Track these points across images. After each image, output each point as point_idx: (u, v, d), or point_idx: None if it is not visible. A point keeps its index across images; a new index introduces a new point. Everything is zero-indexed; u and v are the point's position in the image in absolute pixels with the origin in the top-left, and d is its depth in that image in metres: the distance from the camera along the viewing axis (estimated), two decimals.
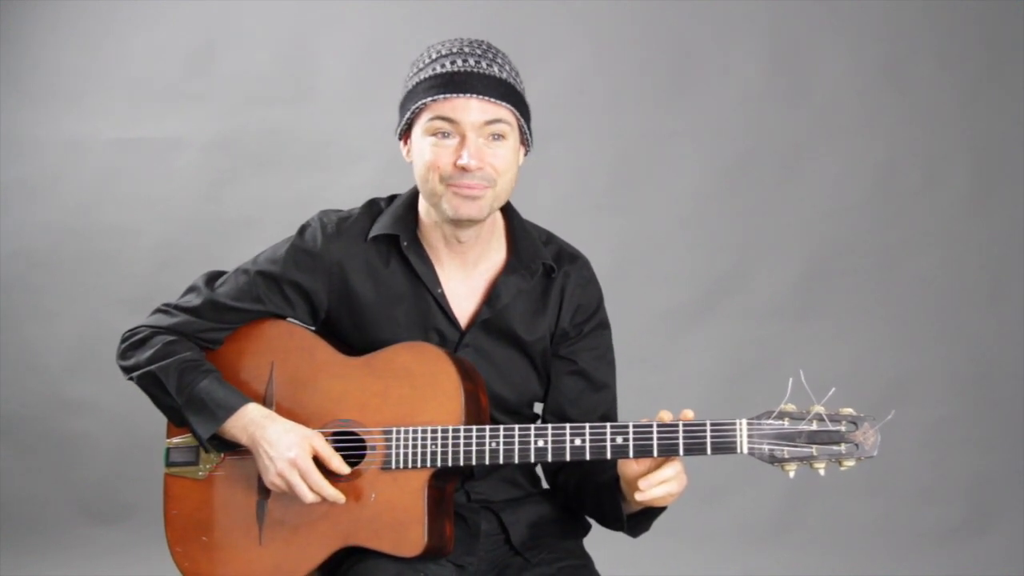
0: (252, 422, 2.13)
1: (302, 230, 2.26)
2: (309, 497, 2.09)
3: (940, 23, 4.37)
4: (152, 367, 2.17)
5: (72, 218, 4.47)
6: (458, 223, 2.15)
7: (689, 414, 2.02)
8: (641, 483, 2.02)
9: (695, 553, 4.15)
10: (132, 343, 2.24)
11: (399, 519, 2.08)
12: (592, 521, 2.33)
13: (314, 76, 4.47)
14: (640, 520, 2.18)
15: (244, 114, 4.46)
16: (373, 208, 2.28)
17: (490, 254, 2.26)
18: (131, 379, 2.23)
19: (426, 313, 2.22)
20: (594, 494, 2.21)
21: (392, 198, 2.29)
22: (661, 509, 2.15)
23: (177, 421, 2.21)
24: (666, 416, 2.02)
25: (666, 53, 4.43)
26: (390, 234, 2.22)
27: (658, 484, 2.02)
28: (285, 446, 2.10)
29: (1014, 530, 4.18)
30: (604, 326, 2.34)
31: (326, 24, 4.47)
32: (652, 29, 4.43)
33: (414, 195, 2.26)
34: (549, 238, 2.32)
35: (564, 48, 4.43)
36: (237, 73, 4.47)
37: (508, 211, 2.29)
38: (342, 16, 4.47)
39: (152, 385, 2.19)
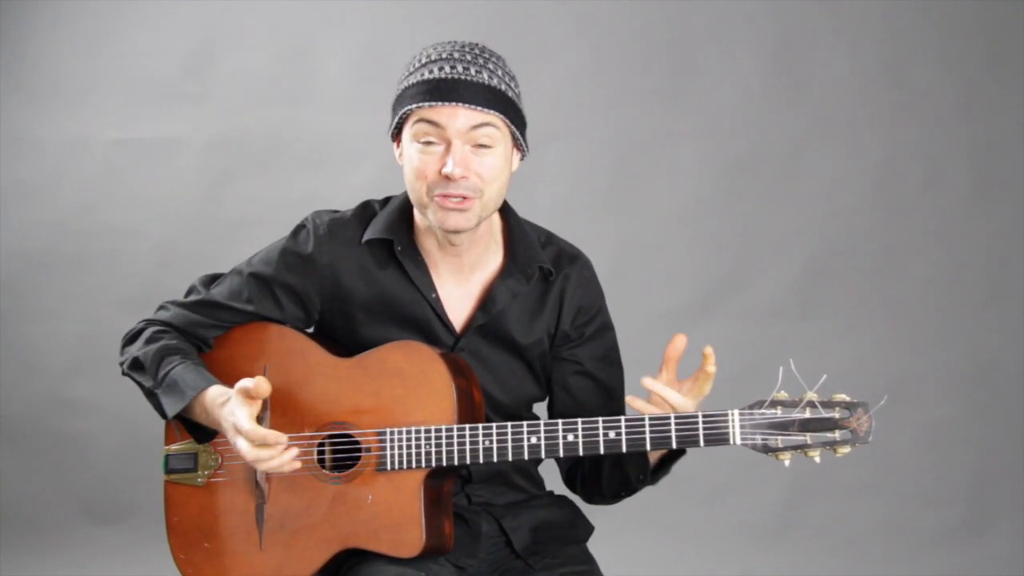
0: (212, 403, 2.09)
1: (295, 232, 2.25)
2: (250, 454, 2.00)
3: (940, 23, 4.37)
4: (137, 353, 2.18)
5: (72, 218, 4.47)
6: (447, 231, 2.15)
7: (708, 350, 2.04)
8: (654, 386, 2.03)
9: (695, 553, 4.15)
10: (128, 338, 2.25)
11: (396, 520, 2.08)
12: (605, 508, 2.33)
13: (314, 76, 4.47)
14: (661, 467, 2.17)
15: (244, 114, 4.46)
16: (367, 210, 2.27)
17: (487, 258, 2.25)
18: (124, 373, 2.23)
19: (421, 318, 2.21)
20: (615, 457, 2.18)
21: (386, 200, 2.28)
22: (682, 453, 2.12)
23: (159, 409, 2.20)
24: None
25: (666, 53, 4.43)
26: (383, 238, 2.21)
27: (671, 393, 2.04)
28: (227, 413, 2.04)
29: (1014, 530, 4.18)
30: (607, 327, 2.32)
31: (326, 24, 4.47)
32: (652, 29, 4.43)
33: (408, 198, 2.24)
34: (549, 239, 2.30)
35: (564, 48, 4.43)
36: (237, 73, 4.47)
37: (506, 213, 2.28)
38: (342, 16, 4.47)
39: (136, 372, 2.18)
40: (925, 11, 4.37)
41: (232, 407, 2.03)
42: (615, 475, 2.22)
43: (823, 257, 4.40)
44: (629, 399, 2.09)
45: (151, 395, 2.18)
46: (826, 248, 4.40)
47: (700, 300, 4.41)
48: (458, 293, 2.23)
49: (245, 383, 2.02)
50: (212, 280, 2.28)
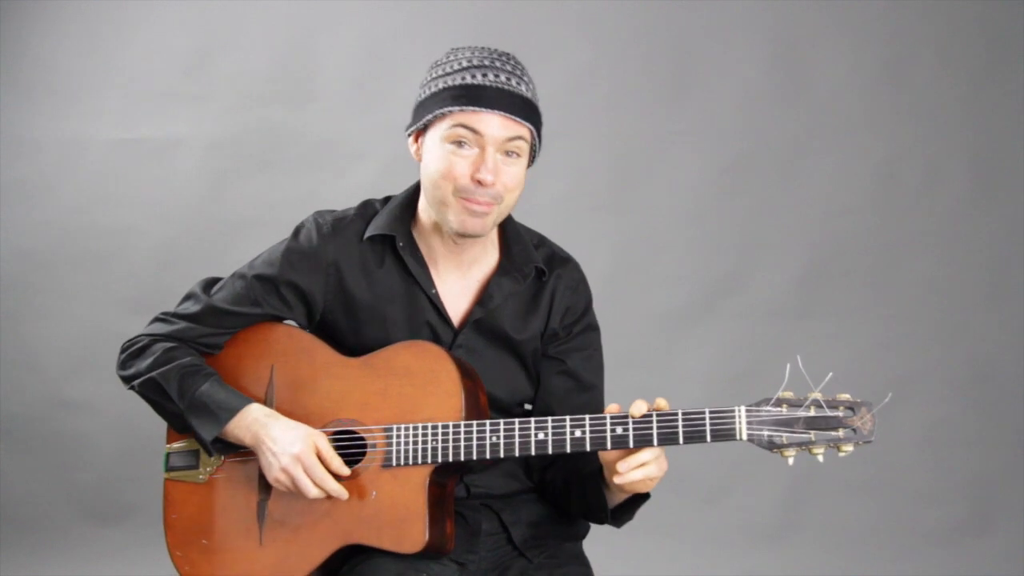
0: (256, 421, 2.14)
1: (296, 232, 2.27)
2: (313, 492, 2.10)
3: (940, 23, 4.38)
4: (152, 374, 2.18)
5: (72, 218, 4.47)
6: (461, 234, 2.16)
7: (662, 403, 2.02)
8: (619, 466, 2.02)
9: (695, 553, 4.15)
10: (131, 352, 2.24)
11: (400, 516, 2.09)
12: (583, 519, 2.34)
13: (314, 76, 4.47)
14: (625, 509, 2.19)
15: (244, 114, 4.46)
16: (368, 209, 2.29)
17: (485, 256, 2.27)
18: (132, 388, 2.23)
19: (420, 313, 2.23)
20: (579, 486, 2.21)
21: (387, 199, 2.30)
22: (644, 497, 2.15)
23: (179, 427, 2.21)
24: (640, 405, 2.01)
25: (666, 53, 4.43)
26: (385, 234, 2.22)
27: (636, 467, 2.02)
28: (289, 442, 2.11)
29: (1014, 530, 4.19)
30: (593, 328, 2.35)
31: (326, 24, 4.47)
32: (652, 29, 4.43)
33: (411, 194, 2.27)
34: (541, 241, 2.33)
35: (564, 48, 4.43)
36: (237, 73, 4.47)
37: None
38: (342, 16, 4.47)
39: (153, 392, 2.19)
40: (925, 11, 4.38)
41: (304, 445, 2.10)
42: (579, 503, 2.24)
43: (823, 257, 4.41)
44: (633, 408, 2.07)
45: (174, 416, 2.19)
46: (826, 248, 4.40)
47: (700, 300, 4.41)
48: (457, 289, 2.26)
49: (332, 459, 2.11)
50: (210, 284, 2.28)
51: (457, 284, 2.25)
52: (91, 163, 4.48)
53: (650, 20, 4.42)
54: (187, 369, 2.17)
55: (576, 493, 2.23)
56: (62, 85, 4.49)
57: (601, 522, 2.23)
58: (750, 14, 4.40)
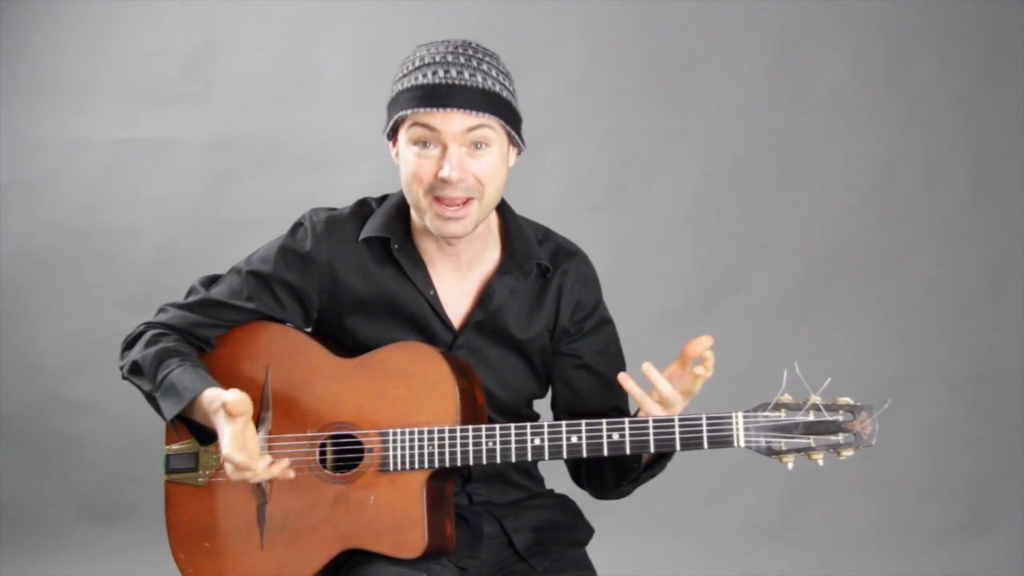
0: (208, 407, 2.08)
1: (293, 230, 2.26)
2: (232, 474, 2.04)
3: (940, 23, 4.37)
4: (136, 357, 2.18)
5: (72, 218, 4.47)
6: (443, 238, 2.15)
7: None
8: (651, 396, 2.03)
9: (695, 553, 4.15)
10: (128, 341, 2.25)
11: (399, 521, 2.08)
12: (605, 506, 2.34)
13: (314, 76, 4.47)
14: (658, 463, 2.17)
15: (244, 114, 4.46)
16: (364, 208, 2.27)
17: (485, 255, 2.25)
18: (124, 377, 2.23)
19: (419, 315, 2.22)
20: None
21: (383, 198, 2.29)
22: (669, 455, 2.13)
23: (158, 411, 2.20)
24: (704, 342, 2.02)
25: (666, 53, 4.43)
26: (380, 236, 2.21)
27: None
28: (218, 425, 2.05)
29: (1014, 530, 4.18)
30: (606, 321, 2.33)
31: (326, 24, 4.47)
32: (652, 29, 4.43)
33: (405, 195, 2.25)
34: (546, 235, 2.31)
35: (564, 48, 4.43)
36: (237, 73, 4.47)
37: (503, 210, 2.28)
38: (342, 16, 4.47)
39: (135, 375, 2.19)
40: (925, 11, 4.37)
41: (218, 423, 2.04)
42: (614, 467, 2.22)
43: (823, 257, 4.40)
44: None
45: (151, 398, 2.19)
46: (826, 248, 4.40)
47: (700, 300, 4.41)
48: (456, 290, 2.24)
49: (225, 400, 2.02)
50: (212, 281, 2.29)
51: (457, 286, 2.24)
52: (92, 163, 4.49)
53: (650, 20, 4.42)
54: (166, 353, 2.16)
55: (608, 459, 2.18)
56: (63, 85, 4.49)
57: (636, 479, 2.19)
58: (750, 14, 4.40)
